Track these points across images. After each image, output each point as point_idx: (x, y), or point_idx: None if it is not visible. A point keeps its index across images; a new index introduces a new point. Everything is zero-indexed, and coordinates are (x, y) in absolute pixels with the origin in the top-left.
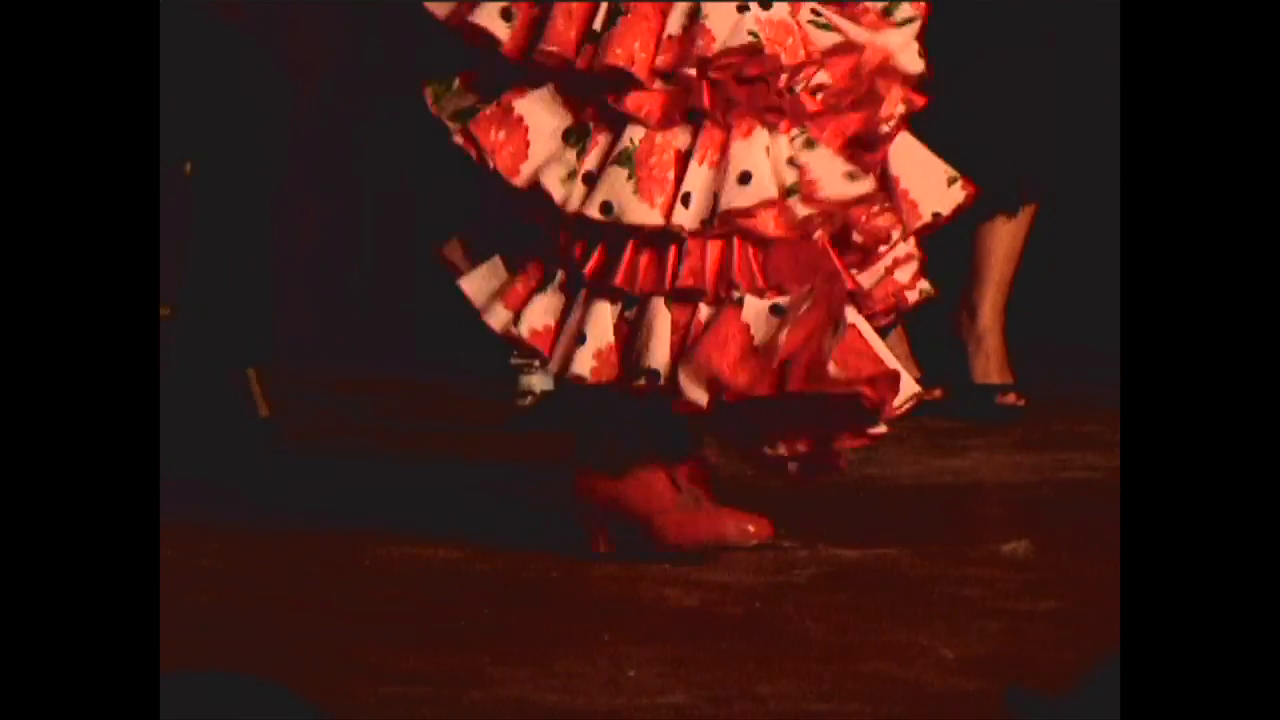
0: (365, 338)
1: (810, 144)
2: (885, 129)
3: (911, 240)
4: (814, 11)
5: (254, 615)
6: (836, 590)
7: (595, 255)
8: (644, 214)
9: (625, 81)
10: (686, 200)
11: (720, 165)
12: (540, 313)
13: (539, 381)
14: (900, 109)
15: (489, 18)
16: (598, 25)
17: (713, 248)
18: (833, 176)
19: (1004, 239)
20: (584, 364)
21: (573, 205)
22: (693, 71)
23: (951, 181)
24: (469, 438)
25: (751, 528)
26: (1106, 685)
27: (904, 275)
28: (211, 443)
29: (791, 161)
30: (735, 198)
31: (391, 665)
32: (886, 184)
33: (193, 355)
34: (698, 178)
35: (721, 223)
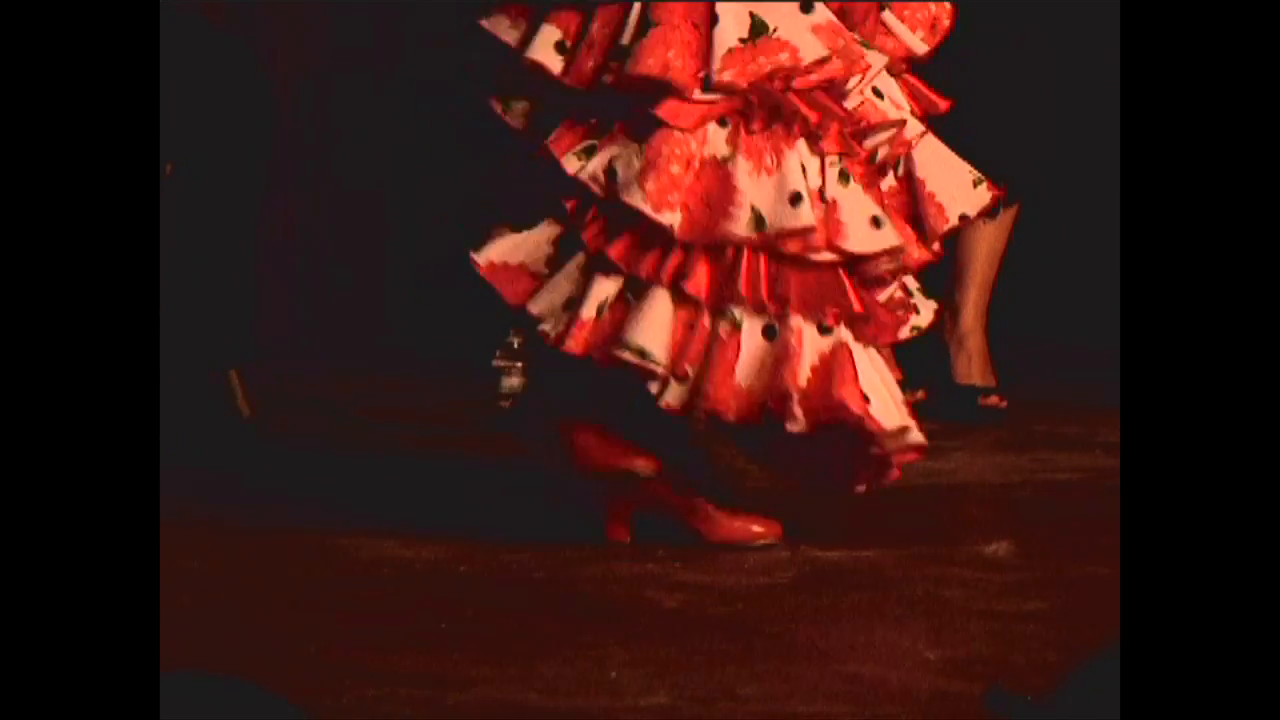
0: (346, 339)
1: (845, 177)
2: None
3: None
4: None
5: (235, 616)
6: (819, 591)
7: (599, 226)
8: (639, 200)
9: (659, 94)
10: (758, 218)
11: (775, 177)
12: (509, 249)
13: (520, 383)
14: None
15: (544, 52)
16: (626, 39)
17: (718, 257)
18: (860, 224)
19: (986, 241)
20: (555, 327)
21: (579, 172)
22: (777, 84)
23: (977, 183)
24: (450, 439)
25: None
26: (1089, 685)
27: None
28: (194, 444)
29: (822, 195)
30: (787, 218)
31: (373, 666)
32: (912, 186)
33: (175, 356)
34: (760, 191)
35: (765, 241)
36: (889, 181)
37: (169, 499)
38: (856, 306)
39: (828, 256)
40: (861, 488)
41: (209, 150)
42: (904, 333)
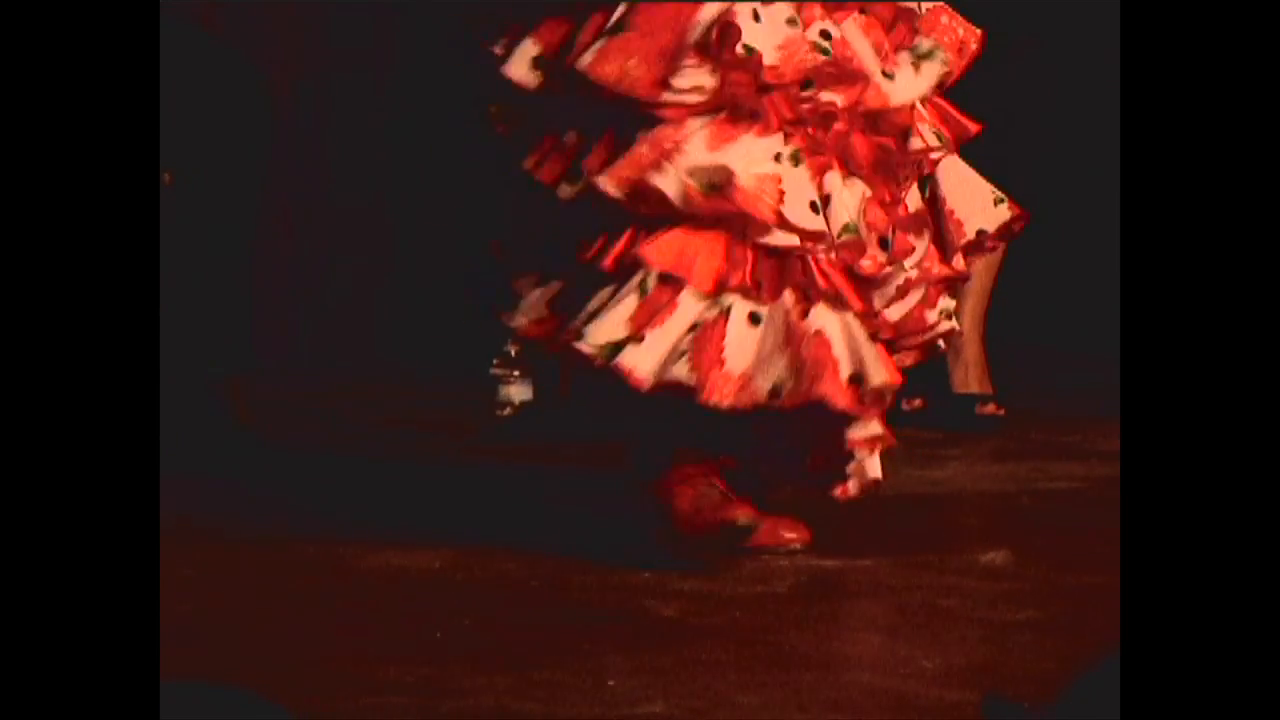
0: (345, 347)
1: (795, 159)
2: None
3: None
4: (823, 34)
5: (232, 625)
6: (816, 600)
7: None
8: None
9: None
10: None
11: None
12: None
13: (518, 392)
14: (934, 141)
15: (520, 69)
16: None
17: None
18: (799, 203)
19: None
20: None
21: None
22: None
23: (998, 202)
24: (448, 448)
25: (791, 534)
26: (1088, 695)
27: (931, 314)
28: (193, 452)
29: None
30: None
31: (370, 675)
32: (934, 204)
33: (172, 364)
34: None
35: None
36: (915, 201)
37: (168, 508)
38: (821, 282)
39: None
40: (842, 490)
41: (208, 159)
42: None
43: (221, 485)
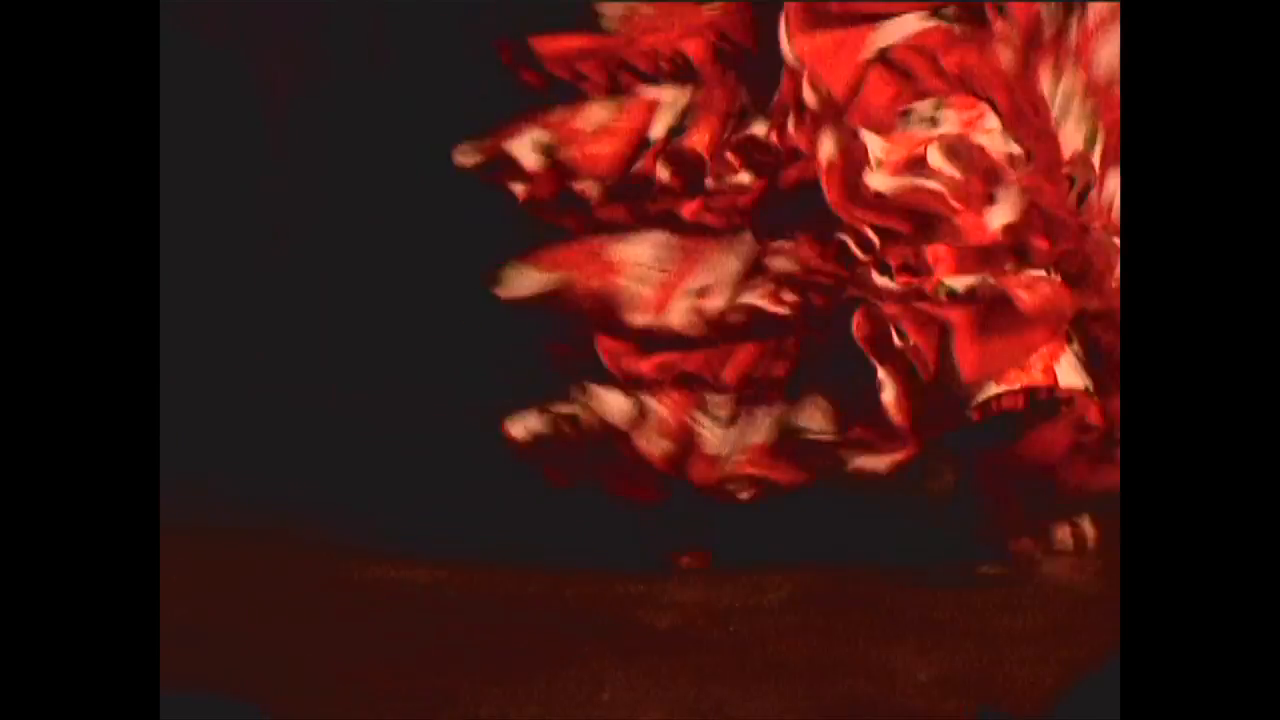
0: (344, 350)
1: None
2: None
3: None
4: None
5: (231, 635)
6: (811, 610)
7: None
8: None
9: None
10: None
11: None
12: None
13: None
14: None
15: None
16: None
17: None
18: None
19: None
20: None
21: None
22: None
23: None
24: (446, 456)
25: None
26: (1085, 705)
27: None
28: (190, 459)
29: None
30: None
31: (368, 685)
32: None
33: (171, 370)
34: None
35: None
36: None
37: (169, 519)
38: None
39: None
40: None
41: (209, 162)
42: None
43: (220, 494)
